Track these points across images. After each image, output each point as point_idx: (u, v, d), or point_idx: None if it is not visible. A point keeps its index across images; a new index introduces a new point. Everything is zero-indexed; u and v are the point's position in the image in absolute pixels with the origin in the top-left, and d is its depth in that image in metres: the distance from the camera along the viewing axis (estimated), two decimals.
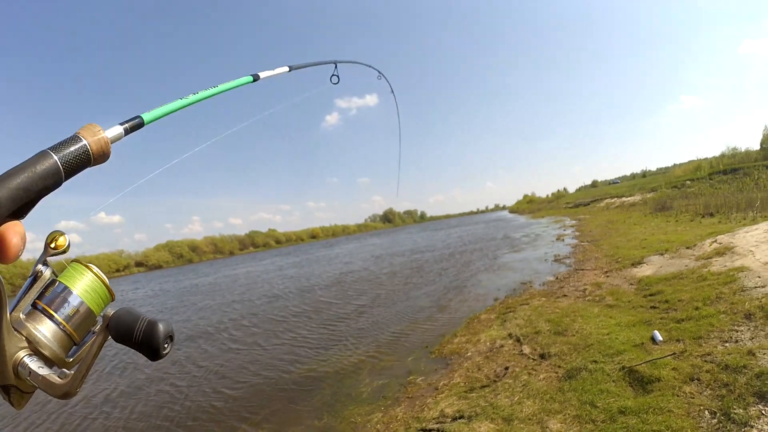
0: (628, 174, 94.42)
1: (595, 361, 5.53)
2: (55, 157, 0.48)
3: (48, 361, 0.53)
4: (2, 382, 0.51)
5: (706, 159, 47.85)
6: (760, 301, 5.91)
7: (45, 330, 0.53)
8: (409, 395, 5.84)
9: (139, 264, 77.54)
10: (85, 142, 0.52)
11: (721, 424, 3.66)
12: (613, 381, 4.93)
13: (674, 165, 69.81)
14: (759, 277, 7.09)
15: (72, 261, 0.59)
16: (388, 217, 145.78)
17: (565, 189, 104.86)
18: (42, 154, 0.48)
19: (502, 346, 6.96)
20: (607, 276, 10.89)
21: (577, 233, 23.95)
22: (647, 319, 6.78)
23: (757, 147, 43.16)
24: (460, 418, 4.77)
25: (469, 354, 6.93)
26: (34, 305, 0.54)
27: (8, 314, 0.50)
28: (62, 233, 0.55)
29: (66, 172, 0.50)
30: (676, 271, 9.40)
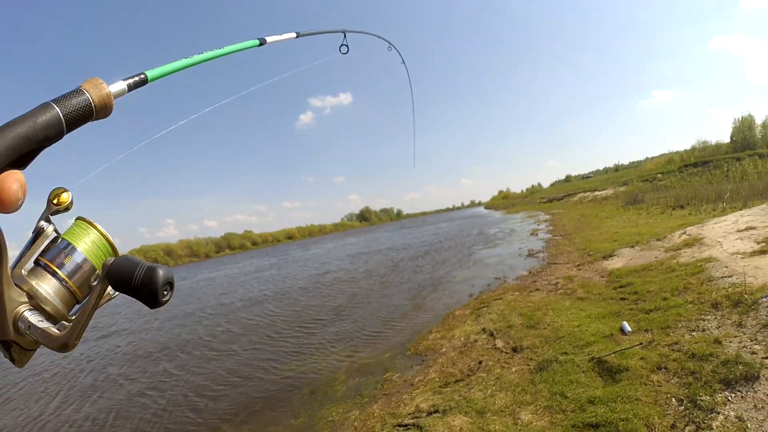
0: (601, 168, 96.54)
1: (566, 353, 5.63)
2: (57, 109, 0.49)
3: (50, 317, 0.53)
4: (2, 337, 0.51)
5: (677, 152, 49.53)
6: (727, 291, 6.07)
7: (47, 286, 0.53)
8: (386, 392, 5.91)
9: None
10: (87, 95, 0.52)
11: (688, 411, 3.75)
12: (583, 372, 5.02)
13: (646, 159, 71.84)
14: (726, 267, 7.29)
15: (76, 218, 0.59)
16: (365, 216, 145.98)
17: (539, 184, 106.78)
18: (44, 106, 0.49)
19: (476, 341, 7.04)
20: (579, 269, 11.10)
21: (550, 228, 24.36)
22: (617, 311, 6.93)
23: (727, 140, 44.95)
24: (434, 412, 4.84)
25: (443, 350, 7.00)
26: (36, 262, 0.55)
27: (9, 269, 0.50)
28: (65, 189, 0.56)
29: (68, 123, 0.50)
30: (646, 262, 9.63)
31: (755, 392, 3.68)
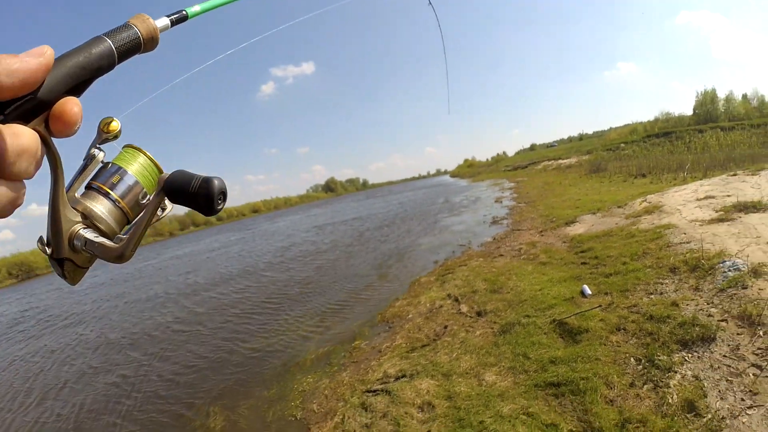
0: (566, 137, 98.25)
1: (528, 316, 5.76)
2: (109, 41, 0.52)
3: (104, 235, 0.56)
4: (57, 255, 0.54)
5: (640, 123, 50.76)
6: (685, 256, 6.27)
7: (101, 206, 0.56)
8: (355, 360, 5.99)
9: None
10: (136, 29, 0.55)
11: (646, 370, 3.89)
12: (545, 333, 5.15)
13: (610, 129, 73.19)
14: (684, 233, 7.54)
15: (124, 146, 0.62)
16: (330, 187, 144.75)
17: (504, 152, 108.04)
18: (97, 38, 0.52)
19: (441, 306, 7.14)
20: (542, 235, 11.31)
21: (514, 195, 24.66)
22: (578, 275, 7.12)
23: (690, 112, 46.42)
24: (402, 377, 4.93)
25: (410, 316, 7.09)
26: (89, 186, 0.57)
27: (65, 190, 0.53)
28: (114, 118, 0.58)
29: (119, 55, 0.53)
30: (607, 229, 9.88)
31: (711, 353, 3.83)
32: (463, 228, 15.98)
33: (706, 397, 3.30)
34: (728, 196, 9.59)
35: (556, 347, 4.76)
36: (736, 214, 7.78)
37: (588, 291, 6.15)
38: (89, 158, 0.59)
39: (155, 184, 0.62)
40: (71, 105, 0.47)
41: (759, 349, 3.64)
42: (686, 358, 3.89)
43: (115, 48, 0.53)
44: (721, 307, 4.58)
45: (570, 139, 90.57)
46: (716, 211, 8.41)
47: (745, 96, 47.45)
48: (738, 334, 3.96)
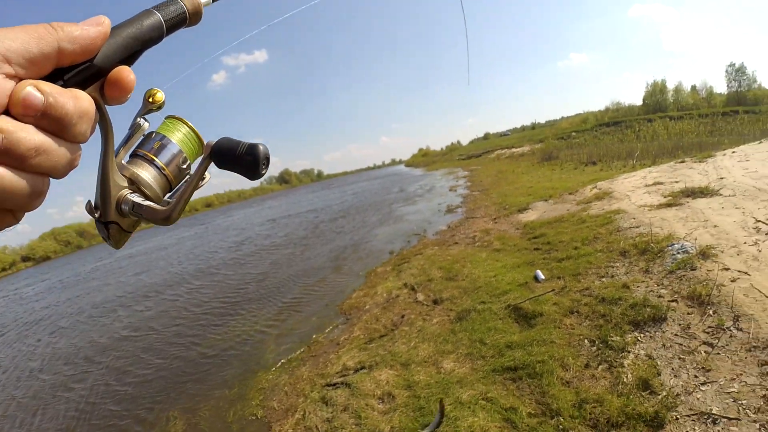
0: (519, 126, 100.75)
1: (484, 302, 5.80)
2: (159, 14, 0.55)
3: (149, 199, 0.58)
4: (105, 218, 0.56)
5: (592, 112, 52.82)
6: (634, 240, 6.48)
7: (146, 173, 0.59)
8: (313, 354, 5.90)
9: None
10: (182, 3, 0.58)
11: (600, 351, 3.96)
12: (500, 319, 5.18)
13: (562, 118, 75.89)
14: (634, 218, 7.79)
15: (167, 116, 0.64)
16: (285, 178, 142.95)
17: (458, 142, 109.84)
18: (147, 12, 0.55)
19: (398, 296, 7.13)
20: (495, 222, 11.48)
21: (468, 184, 25.04)
22: (531, 261, 7.24)
23: (639, 103, 48.74)
24: (361, 368, 4.89)
25: (367, 307, 7.04)
26: (134, 153, 0.60)
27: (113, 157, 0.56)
28: (159, 90, 0.61)
29: (167, 28, 0.56)
30: (559, 215, 10.13)
31: (663, 332, 3.94)
32: (418, 217, 16.07)
33: (660, 375, 3.39)
34: (676, 182, 10.00)
35: (511, 332, 4.81)
36: (684, 199, 8.11)
37: (541, 276, 6.26)
38: (135, 127, 0.61)
39: (197, 152, 0.65)
40: (126, 73, 0.50)
41: (709, 327, 3.77)
42: (639, 338, 3.99)
43: (164, 21, 0.56)
44: (670, 288, 4.73)
45: (523, 128, 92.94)
46: (664, 197, 8.74)
47: (693, 87, 50.46)
48: (688, 313, 4.10)
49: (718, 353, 3.41)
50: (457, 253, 9.03)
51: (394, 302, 6.89)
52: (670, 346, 3.72)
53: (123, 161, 0.59)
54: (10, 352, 10.58)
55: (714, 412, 2.86)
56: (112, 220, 0.57)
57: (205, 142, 0.62)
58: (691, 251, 5.39)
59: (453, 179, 30.97)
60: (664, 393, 3.11)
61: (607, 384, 3.46)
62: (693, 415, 2.89)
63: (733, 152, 13.52)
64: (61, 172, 0.45)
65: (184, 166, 0.63)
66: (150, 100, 0.60)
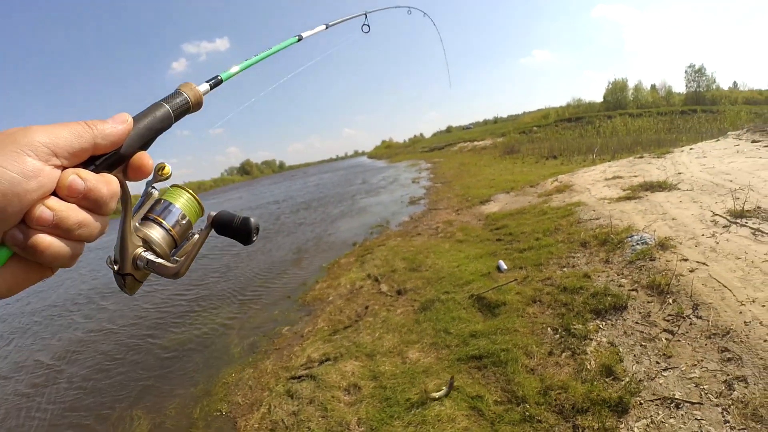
0: (481, 120, 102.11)
1: (447, 292, 5.83)
2: (167, 106, 0.66)
3: (159, 257, 0.69)
4: (122, 271, 0.66)
5: (553, 108, 54.06)
6: (594, 231, 6.64)
7: (156, 233, 0.70)
8: (277, 347, 5.78)
9: None
10: (185, 95, 0.70)
11: (563, 339, 4.04)
12: (464, 308, 5.22)
13: (524, 113, 77.38)
14: (594, 210, 7.99)
15: (171, 185, 0.76)
16: (246, 169, 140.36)
17: (421, 134, 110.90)
18: (158, 104, 0.66)
19: (361, 287, 7.08)
20: (458, 214, 11.58)
21: (431, 176, 25.18)
22: (493, 251, 7.33)
23: (600, 100, 50.39)
24: (326, 360, 4.83)
25: (330, 298, 6.96)
26: (145, 217, 0.71)
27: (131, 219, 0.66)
28: (166, 164, 0.71)
29: (175, 117, 0.68)
30: (520, 207, 10.31)
31: (624, 320, 4.05)
32: (381, 208, 16.04)
33: (622, 361, 3.47)
34: (635, 176, 10.33)
35: (475, 321, 4.84)
36: (643, 192, 8.37)
37: (504, 266, 6.34)
38: (146, 195, 0.72)
39: (197, 214, 0.77)
40: (146, 159, 0.61)
41: (669, 315, 3.89)
42: (600, 326, 4.09)
43: (172, 111, 0.67)
44: (630, 277, 4.87)
45: (485, 122, 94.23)
46: (624, 190, 9.01)
47: (653, 86, 52.47)
48: (648, 302, 4.22)
49: (679, 340, 3.52)
50: (421, 244, 9.05)
51: (357, 293, 6.85)
52: (632, 333, 3.83)
53: (137, 223, 0.69)
54: None
55: (677, 396, 2.95)
56: (129, 272, 0.67)
57: (205, 208, 0.78)
58: (651, 242, 5.55)
59: (416, 171, 31.06)
60: (627, 379, 3.19)
61: (571, 371, 3.52)
62: (656, 399, 2.97)
63: (691, 149, 14.06)
64: (95, 238, 0.55)
65: (187, 226, 0.75)
66: (160, 173, 0.71)
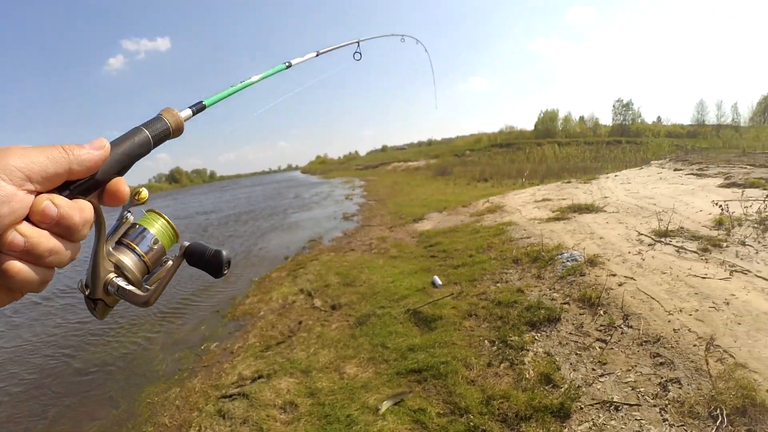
0: (416, 142, 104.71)
1: (383, 307, 5.79)
2: (147, 132, 0.66)
3: (130, 283, 0.68)
4: (93, 296, 0.66)
5: (486, 133, 56.87)
6: (526, 249, 6.88)
7: (129, 259, 0.69)
8: (205, 364, 5.44)
9: None
10: (166, 121, 0.70)
11: (500, 351, 4.10)
12: (401, 323, 5.19)
13: (457, 137, 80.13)
14: (525, 230, 8.30)
15: (147, 210, 0.75)
16: (175, 177, 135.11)
17: (356, 152, 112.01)
18: (137, 129, 0.66)
19: (294, 301, 6.89)
20: (391, 231, 11.65)
21: (365, 193, 25.37)
22: (427, 267, 7.41)
23: (531, 127, 53.88)
24: (259, 378, 4.59)
25: (261, 313, 6.70)
26: (119, 241, 0.70)
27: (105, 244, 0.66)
28: (143, 189, 0.72)
29: (154, 142, 0.67)
30: (453, 225, 10.55)
31: (558, 331, 4.19)
32: (313, 223, 15.88)
33: (560, 369, 3.58)
34: (563, 199, 10.87)
35: (413, 335, 4.82)
36: (571, 214, 8.82)
37: (438, 281, 6.41)
38: (121, 219, 0.72)
39: (171, 240, 0.75)
40: (123, 186, 0.62)
41: (601, 326, 4.08)
42: (536, 337, 4.21)
43: (151, 137, 0.66)
44: (562, 292, 5.07)
45: (420, 144, 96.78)
46: (553, 212, 9.44)
47: (582, 117, 56.75)
48: (580, 314, 4.40)
49: (612, 348, 3.69)
50: (354, 259, 9.00)
51: (290, 308, 6.66)
52: (567, 343, 3.96)
53: (110, 248, 0.68)
54: None
55: (615, 400, 3.07)
56: (99, 297, 0.66)
57: (179, 237, 0.77)
58: (580, 259, 5.81)
59: (349, 188, 31.17)
60: (566, 386, 3.28)
61: (511, 380, 3.57)
62: (596, 404, 3.07)
63: (616, 176, 15.06)
64: (65, 264, 0.55)
65: (160, 253, 0.74)
66: (136, 197, 0.71)
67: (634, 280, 4.85)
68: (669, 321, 3.89)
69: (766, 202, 6.72)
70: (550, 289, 5.25)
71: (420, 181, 27.82)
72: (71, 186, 0.55)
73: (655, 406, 2.93)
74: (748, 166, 13.60)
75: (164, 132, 0.69)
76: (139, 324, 7.46)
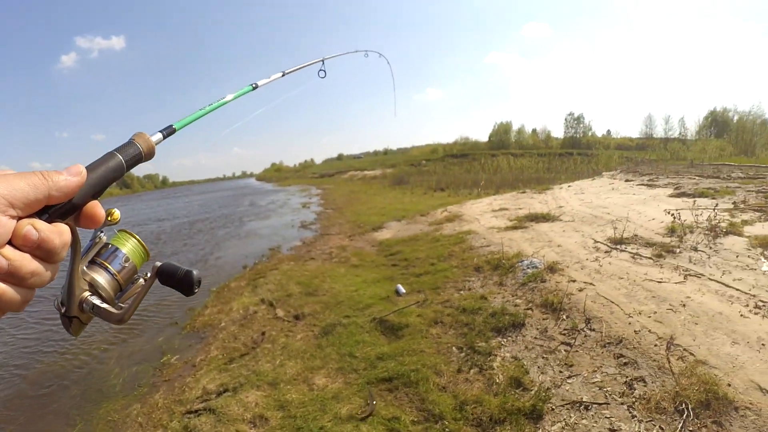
0: (371, 151, 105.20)
1: (348, 316, 5.79)
2: (120, 156, 0.70)
3: (104, 301, 0.72)
4: (69, 313, 0.69)
5: (441, 144, 58.29)
6: (487, 257, 7.05)
7: (102, 278, 0.72)
8: (166, 378, 5.23)
9: None
10: (138, 145, 0.74)
11: (469, 356, 4.18)
12: (367, 332, 5.21)
13: (413, 147, 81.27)
14: (484, 238, 8.50)
15: (119, 230, 0.78)
16: (126, 182, 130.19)
17: (312, 160, 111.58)
18: (111, 154, 0.69)
19: (255, 312, 6.77)
20: (351, 239, 11.67)
21: (322, 201, 25.27)
22: (390, 276, 7.46)
23: (485, 139, 55.59)
24: (225, 391, 4.45)
25: (222, 324, 6.53)
26: (93, 261, 0.73)
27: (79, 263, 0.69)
28: (116, 210, 0.74)
29: (127, 166, 0.71)
30: (413, 234, 10.67)
31: (524, 336, 4.33)
32: (270, 232, 15.69)
33: (528, 373, 3.69)
34: (520, 209, 11.19)
35: (380, 344, 4.84)
36: (529, 223, 9.10)
37: (402, 290, 6.47)
38: (94, 238, 0.74)
39: (143, 259, 0.79)
40: (98, 209, 0.66)
41: (565, 330, 4.25)
42: (502, 342, 4.33)
43: (125, 162, 0.70)
44: (525, 298, 5.24)
45: (376, 153, 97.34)
46: (510, 221, 9.70)
47: (534, 130, 59.00)
48: (544, 319, 4.56)
49: (577, 351, 3.85)
50: (315, 268, 8.95)
51: (252, 319, 6.54)
52: (533, 347, 4.10)
53: (84, 267, 0.71)
54: None
55: (584, 399, 3.20)
56: (75, 315, 0.69)
57: (150, 255, 0.81)
58: (540, 266, 6.01)
59: (306, 196, 31.06)
60: (536, 388, 3.39)
61: (482, 385, 3.65)
62: (566, 404, 3.19)
63: (569, 186, 15.63)
64: (44, 285, 0.57)
65: (132, 271, 0.77)
66: (109, 218, 0.73)
67: (594, 285, 5.07)
68: (629, 323, 4.10)
69: (715, 211, 7.15)
70: (512, 296, 5.40)
71: (377, 190, 28.00)
72: (50, 210, 0.58)
73: (622, 403, 3.08)
74: (697, 177, 14.44)
75: (137, 156, 0.73)
76: (92, 336, 7.13)
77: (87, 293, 0.70)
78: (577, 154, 42.53)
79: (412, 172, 37.63)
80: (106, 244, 0.76)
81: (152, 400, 4.72)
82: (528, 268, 6.10)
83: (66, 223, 0.59)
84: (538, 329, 4.38)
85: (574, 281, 5.31)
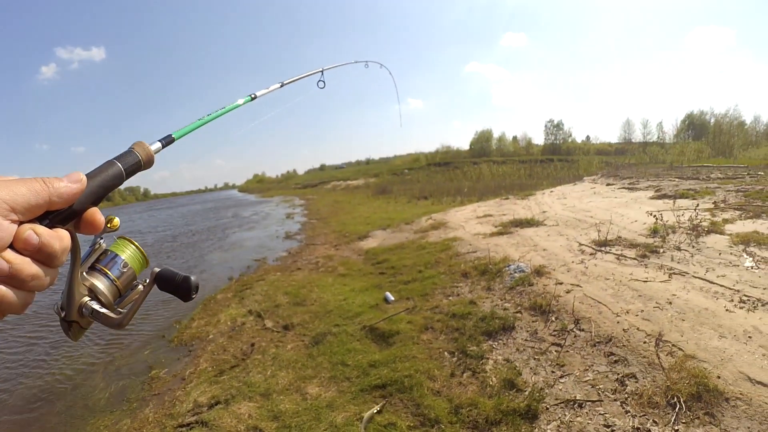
0: (354, 161, 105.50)
1: (338, 325, 5.78)
2: (119, 165, 0.72)
3: (103, 306, 0.72)
4: (68, 318, 0.70)
5: (423, 153, 58.99)
6: (474, 263, 7.11)
7: (101, 283, 0.73)
8: (156, 392, 5.14)
9: None
10: (137, 154, 0.76)
11: (461, 361, 4.22)
12: (358, 340, 5.21)
13: (395, 156, 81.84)
14: (470, 244, 8.57)
15: (118, 237, 0.80)
16: (107, 195, 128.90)
17: (295, 170, 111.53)
18: (111, 162, 0.71)
19: (243, 323, 6.72)
20: (337, 249, 11.66)
21: (306, 212, 25.24)
22: (378, 284, 7.48)
23: (467, 147, 56.41)
24: (216, 404, 4.40)
25: (211, 336, 6.47)
26: (92, 266, 0.74)
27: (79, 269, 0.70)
28: (115, 217, 0.74)
29: (126, 174, 0.73)
30: (399, 242, 10.71)
31: (514, 339, 4.38)
32: (255, 243, 15.61)
33: (521, 374, 3.74)
34: (504, 215, 11.31)
35: (372, 351, 4.85)
36: (513, 228, 9.20)
37: (391, 297, 6.49)
38: (93, 245, 0.75)
39: (142, 265, 0.80)
40: (98, 216, 0.67)
41: (554, 331, 4.32)
42: (494, 345, 4.38)
43: (124, 170, 0.72)
44: (513, 301, 5.30)
45: (358, 163, 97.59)
46: (495, 227, 9.79)
47: (515, 138, 60.00)
48: (533, 321, 4.63)
49: (568, 351, 3.92)
50: (302, 278, 8.92)
51: (240, 330, 6.49)
52: (524, 349, 4.15)
53: (84, 272, 0.72)
54: None
55: (578, 398, 3.26)
56: (74, 320, 0.70)
57: (149, 262, 0.82)
58: (527, 270, 6.08)
59: (289, 207, 30.98)
60: (530, 389, 3.44)
61: (476, 388, 3.69)
62: (560, 403, 3.24)
63: (552, 191, 15.84)
64: (45, 289, 0.59)
65: (131, 277, 0.78)
66: (108, 225, 0.73)
67: (581, 286, 5.16)
68: (618, 322, 4.19)
69: (696, 211, 7.32)
70: (501, 300, 5.46)
71: (361, 199, 28.05)
72: (51, 215, 0.59)
73: (616, 400, 3.15)
74: (676, 179, 14.74)
75: (136, 165, 0.75)
76: (78, 351, 7.01)
77: (86, 298, 0.71)
78: (558, 160, 43.34)
79: (395, 181, 37.92)
80: (106, 251, 0.77)
81: (142, 415, 4.65)
82: (515, 272, 6.17)
83: (66, 229, 0.61)
84: (528, 331, 4.45)
85: (561, 284, 5.39)
